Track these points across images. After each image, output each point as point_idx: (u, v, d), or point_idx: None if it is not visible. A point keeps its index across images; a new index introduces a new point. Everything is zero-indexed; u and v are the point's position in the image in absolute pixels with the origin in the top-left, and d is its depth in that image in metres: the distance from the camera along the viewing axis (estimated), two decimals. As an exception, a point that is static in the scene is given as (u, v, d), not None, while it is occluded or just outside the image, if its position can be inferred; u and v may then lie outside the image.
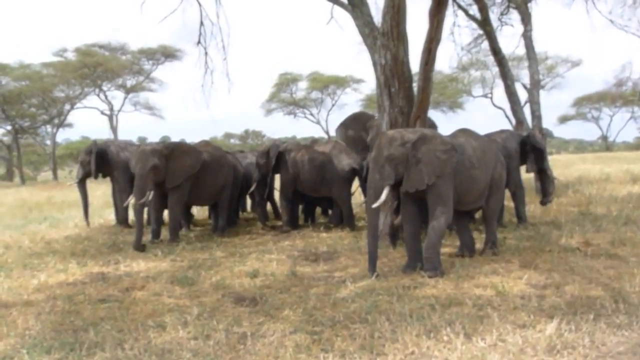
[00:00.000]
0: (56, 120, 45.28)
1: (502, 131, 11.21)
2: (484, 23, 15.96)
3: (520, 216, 10.79)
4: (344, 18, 10.18)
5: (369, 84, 48.14)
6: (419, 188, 7.24)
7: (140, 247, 9.56)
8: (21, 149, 46.01)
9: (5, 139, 47.13)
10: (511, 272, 7.06)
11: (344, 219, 11.48)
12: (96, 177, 12.94)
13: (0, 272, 8.04)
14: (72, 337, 5.21)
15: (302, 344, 4.79)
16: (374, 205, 7.30)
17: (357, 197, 12.93)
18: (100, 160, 12.64)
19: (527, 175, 11.87)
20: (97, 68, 41.48)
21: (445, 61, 45.52)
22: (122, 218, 12.77)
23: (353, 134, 10.71)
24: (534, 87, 16.71)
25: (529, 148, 10.87)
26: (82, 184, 13.02)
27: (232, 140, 59.84)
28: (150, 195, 10.09)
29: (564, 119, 56.87)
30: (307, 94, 50.32)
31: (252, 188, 12.23)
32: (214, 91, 12.49)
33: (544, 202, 11.13)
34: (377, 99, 9.66)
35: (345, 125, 10.97)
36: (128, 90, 45.08)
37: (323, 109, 51.02)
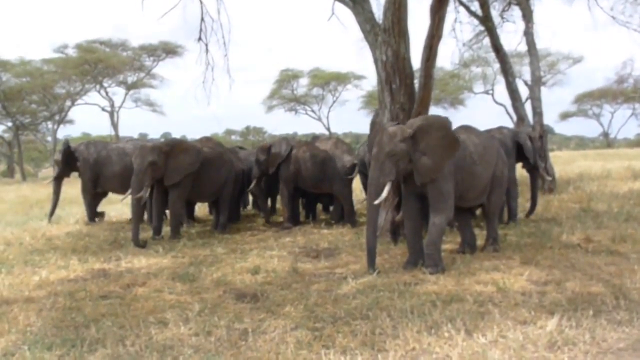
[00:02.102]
0: (57, 117, 45.22)
1: (499, 128, 11.19)
2: (486, 19, 15.96)
3: (512, 213, 10.72)
4: (345, 14, 10.15)
5: (370, 81, 47.92)
6: (433, 177, 7.21)
7: (139, 243, 9.61)
8: (22, 145, 45.98)
9: (6, 135, 47.15)
10: (512, 268, 7.07)
11: (345, 215, 11.49)
12: (68, 175, 13.27)
13: (2, 268, 8.05)
14: (74, 333, 5.22)
15: (303, 340, 4.80)
16: (376, 202, 7.31)
17: (358, 193, 12.93)
18: (71, 159, 12.90)
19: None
20: (98, 64, 41.39)
21: (446, 57, 45.59)
22: (90, 215, 13.01)
23: None
24: (535, 84, 16.68)
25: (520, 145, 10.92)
26: (57, 182, 13.26)
27: (233, 137, 59.72)
28: (147, 192, 10.14)
29: (565, 116, 56.70)
30: (308, 90, 50.16)
31: (252, 185, 12.21)
32: (215, 87, 12.47)
33: (527, 215, 11.10)
34: (378, 96, 9.67)
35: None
36: (129, 87, 45.01)
37: (324, 106, 50.84)
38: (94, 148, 13.06)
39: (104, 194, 13.33)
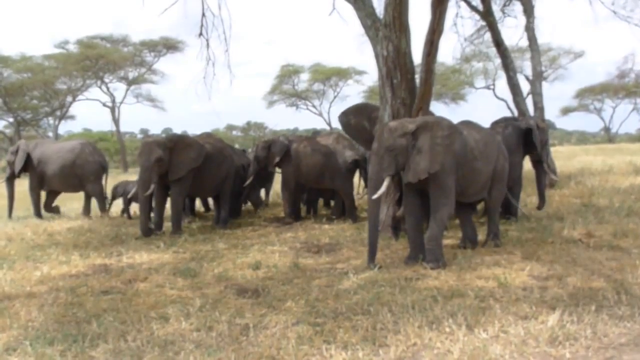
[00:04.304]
0: (58, 113, 45.25)
1: (504, 122, 11.02)
2: (487, 14, 15.88)
3: (511, 211, 10.60)
4: (346, 9, 10.12)
5: (371, 76, 47.95)
6: (421, 177, 7.21)
7: (147, 232, 9.89)
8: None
9: (8, 131, 47.14)
10: (513, 263, 7.07)
11: (346, 210, 11.49)
12: (19, 175, 13.56)
13: (3, 264, 8.06)
14: (75, 328, 5.23)
15: (304, 336, 4.80)
16: (374, 196, 7.31)
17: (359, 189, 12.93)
18: (27, 159, 13.28)
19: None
20: (99, 60, 41.36)
21: (447, 52, 45.51)
22: (36, 211, 13.42)
23: (355, 124, 10.63)
24: (537, 79, 16.64)
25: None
26: (10, 182, 13.66)
27: (234, 132, 59.67)
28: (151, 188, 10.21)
29: (566, 111, 56.50)
30: (309, 85, 50.10)
31: (249, 181, 12.24)
32: (216, 83, 12.47)
33: (539, 207, 11.01)
34: (380, 91, 9.65)
35: (347, 114, 10.86)
36: (130, 82, 44.95)
37: (325, 101, 50.81)
38: (40, 147, 13.49)
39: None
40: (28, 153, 13.22)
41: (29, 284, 6.99)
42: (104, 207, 13.32)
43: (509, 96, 17.65)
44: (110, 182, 13.77)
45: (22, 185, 14.03)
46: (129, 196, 12.54)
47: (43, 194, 13.60)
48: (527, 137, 10.56)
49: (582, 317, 4.98)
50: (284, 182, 11.71)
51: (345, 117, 10.80)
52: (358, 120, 10.57)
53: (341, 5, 11.16)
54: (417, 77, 9.36)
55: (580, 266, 6.81)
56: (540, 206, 10.86)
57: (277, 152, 11.63)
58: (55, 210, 13.65)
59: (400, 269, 7.09)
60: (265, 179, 13.52)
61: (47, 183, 13.34)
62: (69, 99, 44.70)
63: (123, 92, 45.39)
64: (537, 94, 16.24)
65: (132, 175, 17.41)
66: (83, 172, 13.14)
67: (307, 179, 11.54)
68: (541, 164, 10.96)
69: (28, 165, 13.27)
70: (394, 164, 7.28)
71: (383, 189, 7.30)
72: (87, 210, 13.49)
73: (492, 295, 5.80)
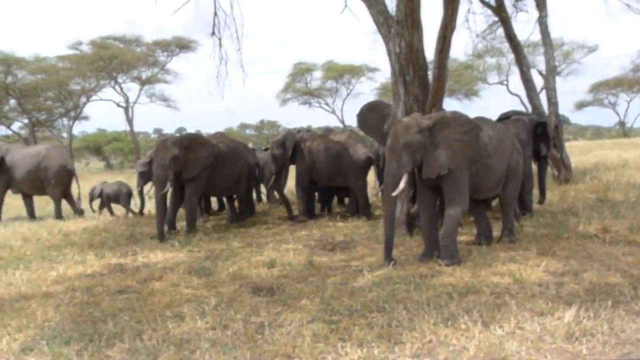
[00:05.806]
0: (72, 113, 45.46)
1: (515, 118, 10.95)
2: (499, 9, 15.80)
3: (526, 206, 10.52)
4: (358, 7, 10.13)
5: (384, 73, 47.88)
6: (441, 173, 7.19)
7: (163, 238, 9.75)
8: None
9: (22, 132, 47.44)
10: (529, 259, 7.03)
11: (360, 208, 11.46)
12: None
13: (19, 264, 8.12)
14: (91, 328, 5.25)
15: (319, 333, 4.80)
16: (394, 194, 7.28)
17: (373, 185, 12.91)
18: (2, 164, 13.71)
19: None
20: (112, 60, 41.52)
21: (460, 48, 45.03)
22: None
23: (371, 121, 10.57)
24: (550, 74, 16.53)
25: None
26: None
27: (247, 131, 59.78)
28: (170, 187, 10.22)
29: (580, 105, 56.22)
30: (322, 83, 50.02)
31: (271, 181, 12.20)
32: (229, 82, 12.49)
33: (540, 202, 11.04)
34: (392, 88, 9.63)
35: (363, 114, 10.80)
36: (143, 82, 45.06)
37: (338, 99, 50.75)
38: (11, 152, 13.90)
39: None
40: (2, 157, 13.67)
41: (45, 283, 7.05)
42: (60, 213, 13.62)
43: (522, 92, 17.60)
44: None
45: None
46: (145, 193, 12.58)
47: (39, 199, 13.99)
48: (536, 129, 10.60)
49: (599, 312, 4.94)
50: (298, 180, 11.71)
51: (360, 115, 10.77)
52: (373, 118, 10.50)
53: (353, 3, 11.12)
54: (430, 74, 9.33)
55: (596, 261, 6.77)
56: (541, 201, 10.91)
57: (289, 145, 11.64)
58: None
59: (415, 266, 7.08)
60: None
61: (17, 187, 13.82)
62: (83, 99, 44.93)
63: (136, 92, 45.57)
64: (550, 88, 16.13)
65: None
66: (46, 175, 13.55)
67: (320, 177, 11.53)
68: (545, 159, 10.97)
69: (1, 169, 13.74)
70: (412, 161, 7.24)
71: (402, 185, 7.26)
72: (75, 210, 14.00)
73: (508, 291, 5.78)
